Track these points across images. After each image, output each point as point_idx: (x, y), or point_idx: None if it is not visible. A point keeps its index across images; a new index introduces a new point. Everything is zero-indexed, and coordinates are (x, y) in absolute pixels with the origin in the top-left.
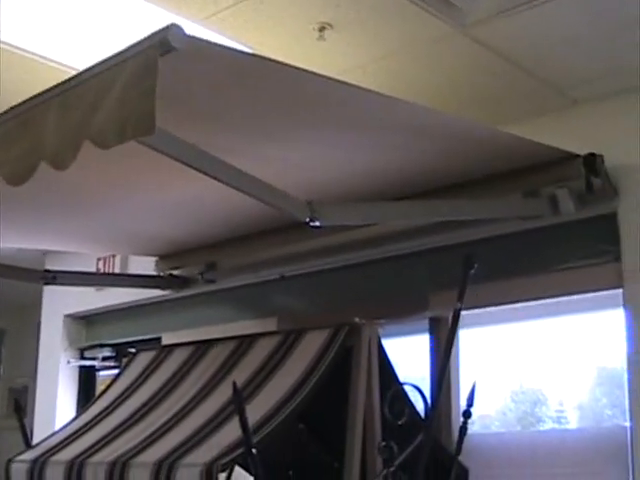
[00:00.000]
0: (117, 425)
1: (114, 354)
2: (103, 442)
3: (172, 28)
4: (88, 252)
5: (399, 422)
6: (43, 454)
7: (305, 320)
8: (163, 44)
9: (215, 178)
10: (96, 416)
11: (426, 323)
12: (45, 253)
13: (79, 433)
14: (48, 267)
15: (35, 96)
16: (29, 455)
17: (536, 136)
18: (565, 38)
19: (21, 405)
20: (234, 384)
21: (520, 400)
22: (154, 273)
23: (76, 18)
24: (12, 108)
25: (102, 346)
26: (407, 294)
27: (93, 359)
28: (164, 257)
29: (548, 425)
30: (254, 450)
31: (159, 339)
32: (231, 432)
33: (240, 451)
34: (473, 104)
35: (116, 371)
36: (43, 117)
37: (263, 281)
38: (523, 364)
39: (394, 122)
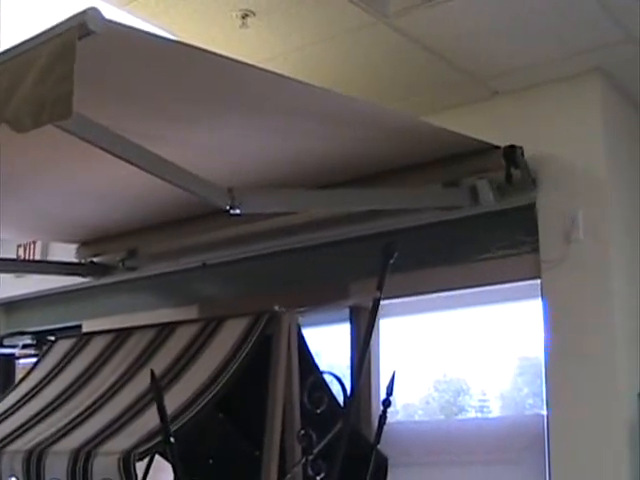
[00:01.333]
0: (35, 413)
1: (34, 342)
2: (20, 430)
3: (90, 11)
4: (8, 237)
5: (318, 410)
6: None
7: (226, 308)
8: (81, 27)
9: (133, 164)
10: (14, 404)
11: (347, 312)
12: None
13: None
14: None
15: None
16: None
17: (456, 127)
18: (486, 30)
19: None
20: (152, 372)
21: (443, 389)
22: (75, 260)
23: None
24: None
25: (22, 334)
26: (328, 283)
27: (13, 347)
28: (85, 244)
29: (471, 414)
30: (172, 439)
31: (80, 326)
32: (149, 420)
33: (158, 439)
34: (394, 94)
35: (36, 359)
36: None
37: (184, 269)
38: (446, 354)
39: (314, 110)
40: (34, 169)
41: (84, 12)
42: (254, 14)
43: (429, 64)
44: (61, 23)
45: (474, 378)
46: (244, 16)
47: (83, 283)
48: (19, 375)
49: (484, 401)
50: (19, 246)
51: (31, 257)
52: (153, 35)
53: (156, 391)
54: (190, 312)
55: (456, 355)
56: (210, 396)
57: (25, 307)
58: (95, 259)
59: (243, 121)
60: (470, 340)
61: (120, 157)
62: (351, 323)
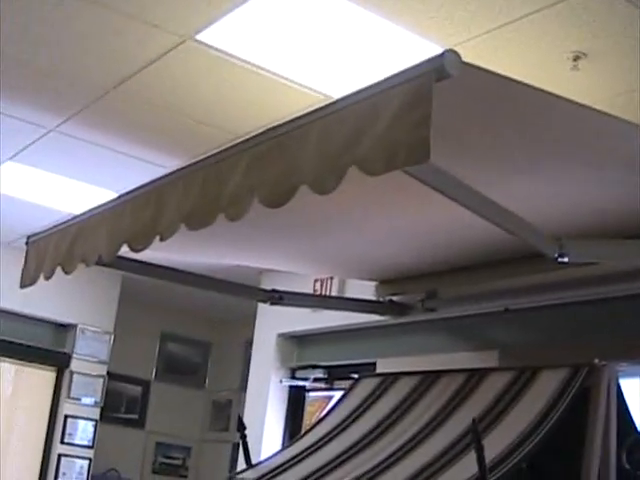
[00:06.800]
0: (342, 451)
1: (326, 376)
2: (327, 468)
3: (448, 55)
4: (308, 273)
5: (639, 473)
6: (265, 474)
7: (528, 356)
8: (438, 71)
9: (473, 210)
10: (319, 440)
11: None
12: (261, 272)
13: (302, 456)
14: (264, 286)
15: (293, 119)
16: (251, 474)
17: None
18: None
19: (244, 423)
20: (474, 420)
21: None
22: (372, 297)
23: (325, 45)
24: (268, 130)
25: (314, 367)
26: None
27: (304, 379)
28: (384, 282)
29: None
30: None
31: (372, 364)
32: (464, 469)
33: None
34: None
35: (326, 393)
36: (302, 140)
37: (484, 313)
38: None
39: None
40: (346, 207)
41: (441, 55)
42: (586, 56)
43: None
44: (413, 67)
45: None
46: (575, 58)
47: (378, 321)
48: (307, 407)
49: None
50: (316, 281)
51: (328, 292)
52: (507, 78)
53: (477, 439)
54: (489, 358)
55: None
56: (528, 449)
57: (317, 341)
58: (394, 298)
59: (581, 170)
60: None
61: (463, 205)
62: None
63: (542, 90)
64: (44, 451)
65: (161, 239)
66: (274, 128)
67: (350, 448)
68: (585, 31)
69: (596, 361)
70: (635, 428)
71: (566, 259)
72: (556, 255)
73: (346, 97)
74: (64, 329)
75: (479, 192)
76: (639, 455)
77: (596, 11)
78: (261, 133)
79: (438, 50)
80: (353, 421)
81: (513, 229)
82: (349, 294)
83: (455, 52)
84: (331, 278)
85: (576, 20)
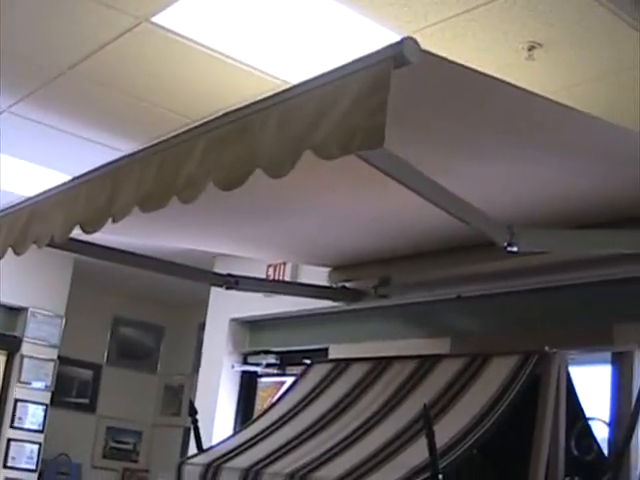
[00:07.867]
0: (294, 436)
1: (278, 362)
2: (279, 453)
3: (407, 42)
4: (261, 258)
5: (587, 458)
6: (217, 459)
7: (480, 343)
8: (397, 58)
9: (425, 198)
10: (271, 425)
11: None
12: (215, 256)
13: (254, 441)
14: (217, 270)
15: (253, 103)
16: (202, 459)
17: None
18: None
19: (195, 408)
20: (425, 406)
21: None
22: (325, 283)
23: (283, 31)
24: (227, 114)
25: (266, 353)
26: (590, 324)
27: (257, 365)
28: (337, 268)
29: None
30: (441, 476)
31: (325, 350)
32: (415, 455)
33: (426, 475)
34: None
35: (279, 379)
36: (261, 124)
37: (438, 300)
38: None
39: (608, 148)
40: (301, 193)
41: (400, 42)
42: (541, 46)
43: None
44: (372, 54)
45: None
46: (531, 48)
47: (331, 307)
48: (259, 392)
49: None
50: (269, 266)
51: (281, 278)
52: (464, 67)
53: (428, 427)
54: (441, 344)
55: None
56: (479, 434)
57: (270, 326)
58: (347, 284)
59: (537, 159)
60: None
61: (414, 191)
62: (613, 366)
63: (498, 79)
64: None
65: (113, 220)
66: (232, 112)
67: (302, 433)
68: (541, 21)
69: (546, 348)
70: (584, 415)
71: (515, 248)
72: (505, 244)
73: (305, 82)
74: (15, 312)
75: (429, 178)
76: (587, 441)
77: (552, 1)
78: (219, 117)
79: (396, 37)
80: (305, 406)
81: (463, 216)
82: (302, 280)
83: (414, 39)
84: (284, 263)
85: (532, 10)
